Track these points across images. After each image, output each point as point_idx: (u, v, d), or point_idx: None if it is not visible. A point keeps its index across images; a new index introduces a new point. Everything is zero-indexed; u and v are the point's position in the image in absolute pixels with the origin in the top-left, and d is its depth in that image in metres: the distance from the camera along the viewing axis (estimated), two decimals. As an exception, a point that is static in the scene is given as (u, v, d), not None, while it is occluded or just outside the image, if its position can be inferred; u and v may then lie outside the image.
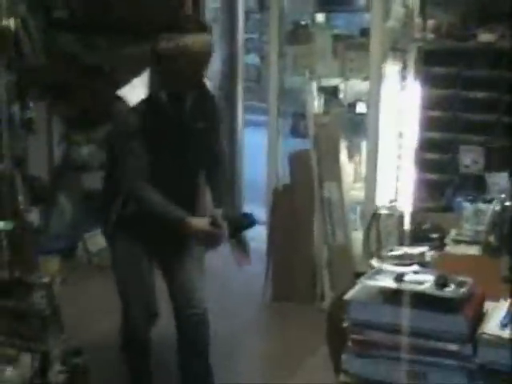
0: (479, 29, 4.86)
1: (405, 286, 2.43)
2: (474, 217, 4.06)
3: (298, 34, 5.07)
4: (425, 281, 2.46)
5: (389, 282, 2.47)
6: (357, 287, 2.56)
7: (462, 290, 2.42)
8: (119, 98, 3.22)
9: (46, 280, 3.54)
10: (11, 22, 4.11)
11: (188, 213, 3.28)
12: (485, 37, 4.80)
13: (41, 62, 4.52)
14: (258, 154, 6.80)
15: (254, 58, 9.88)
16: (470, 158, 4.90)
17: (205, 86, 3.40)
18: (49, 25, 5.74)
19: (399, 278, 2.47)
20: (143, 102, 3.19)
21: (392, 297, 2.43)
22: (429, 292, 2.39)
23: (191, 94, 3.32)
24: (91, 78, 5.71)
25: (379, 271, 2.63)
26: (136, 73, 5.29)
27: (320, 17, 5.07)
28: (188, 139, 3.33)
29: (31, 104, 4.30)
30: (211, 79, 3.62)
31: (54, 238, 5.73)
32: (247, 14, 7.28)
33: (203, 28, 3.21)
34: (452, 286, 2.44)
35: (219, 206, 3.43)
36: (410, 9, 4.98)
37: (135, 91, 3.23)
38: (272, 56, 5.14)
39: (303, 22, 5.10)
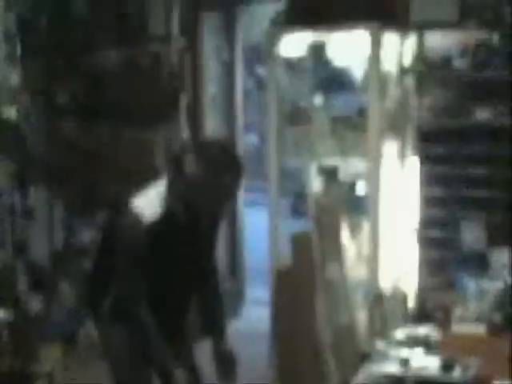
0: (476, 106, 4.92)
1: (411, 372, 2.40)
2: (477, 295, 4.05)
3: (296, 116, 5.12)
4: (431, 365, 2.43)
5: (394, 368, 2.44)
6: (362, 373, 2.53)
7: (469, 373, 2.39)
8: (133, 210, 2.98)
9: (47, 369, 3.51)
10: (13, 112, 4.19)
11: (178, 323, 3.17)
12: (482, 114, 4.86)
13: (42, 150, 4.56)
14: (260, 234, 6.79)
15: (253, 138, 9.97)
16: (471, 235, 4.91)
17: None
18: (51, 110, 5.80)
19: (405, 362, 2.45)
20: (159, 218, 2.97)
21: (398, 382, 2.40)
22: (436, 378, 2.36)
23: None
24: (92, 164, 5.74)
25: (384, 355, 2.61)
26: (136, 159, 5.38)
27: (318, 98, 5.12)
28: (193, 250, 3.15)
29: (32, 192, 4.35)
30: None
31: (56, 323, 5.68)
32: (246, 93, 7.36)
33: (237, 165, 3.02)
34: (458, 370, 2.41)
35: (210, 334, 3.26)
36: (406, 89, 5.04)
37: (151, 205, 2.98)
38: (271, 137, 5.18)
39: (302, 104, 5.15)
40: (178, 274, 3.11)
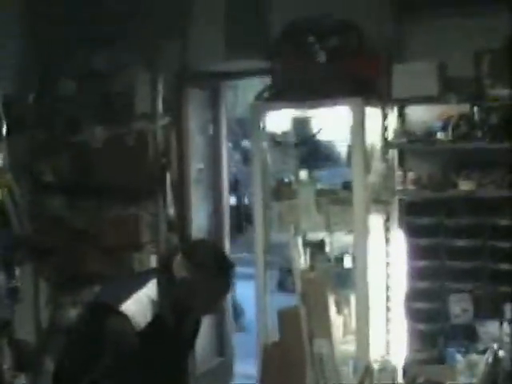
0: (459, 178, 4.95)
1: None
2: (467, 369, 4.03)
3: (281, 191, 5.15)
4: None
5: None
6: None
7: None
8: (122, 315, 2.93)
9: None
10: (-3, 191, 4.20)
11: None
12: (465, 185, 4.89)
13: (27, 229, 4.55)
14: (247, 307, 6.78)
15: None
16: (459, 307, 4.89)
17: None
18: (36, 189, 5.81)
19: None
20: (149, 324, 2.95)
21: None
22: None
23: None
24: (78, 241, 5.73)
25: None
26: (122, 236, 5.36)
27: (303, 172, 5.16)
28: (175, 352, 3.14)
29: (17, 272, 4.32)
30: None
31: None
32: (232, 167, 7.41)
33: (228, 268, 3.04)
34: None
35: None
36: (390, 162, 5.09)
37: (141, 309, 2.96)
38: (257, 211, 5.20)
39: (286, 179, 5.20)
40: (157, 375, 3.04)
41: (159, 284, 3.02)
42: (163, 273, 3.05)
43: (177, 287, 2.98)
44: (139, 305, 2.96)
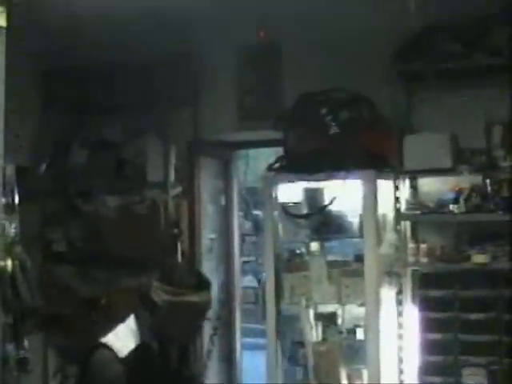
0: (472, 250, 4.93)
1: None
2: None
3: (293, 262, 5.13)
4: None
5: None
6: None
7: None
8: (104, 346, 3.04)
9: None
10: (8, 263, 4.17)
11: None
12: (478, 258, 4.86)
13: (37, 299, 4.52)
14: (258, 378, 6.66)
15: (251, 280, 9.94)
16: (473, 381, 4.82)
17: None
18: (47, 258, 5.80)
19: None
20: (132, 352, 3.02)
21: None
22: None
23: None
24: (88, 311, 5.69)
25: None
26: (132, 306, 5.31)
27: (315, 244, 5.14)
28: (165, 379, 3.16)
29: (26, 343, 4.27)
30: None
31: None
32: (243, 236, 7.40)
33: (205, 285, 3.14)
34: None
35: None
36: (403, 234, 5.07)
37: (123, 339, 3.06)
38: (269, 282, 5.15)
39: (298, 251, 5.17)
40: None
41: (138, 314, 3.13)
42: (143, 302, 3.13)
43: (156, 313, 3.04)
44: (120, 335, 3.08)
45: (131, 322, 3.15)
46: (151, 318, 3.08)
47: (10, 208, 4.41)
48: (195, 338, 3.31)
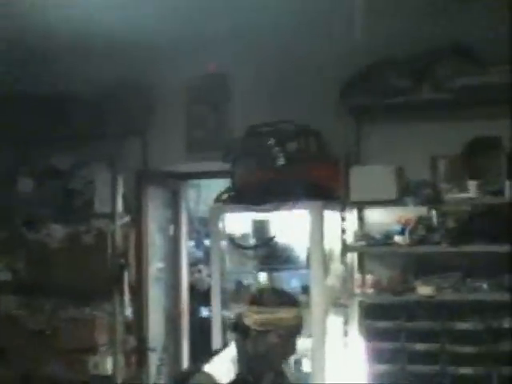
0: (418, 281, 4.97)
1: None
2: None
3: (240, 293, 5.11)
4: None
5: None
6: None
7: None
8: (205, 373, 3.09)
9: None
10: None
11: None
12: (423, 289, 4.89)
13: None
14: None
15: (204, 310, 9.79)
16: (420, 412, 4.84)
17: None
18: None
19: None
20: (232, 382, 3.09)
21: None
22: None
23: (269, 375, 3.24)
24: (33, 342, 5.62)
25: None
26: (78, 337, 5.28)
27: (262, 275, 5.14)
28: None
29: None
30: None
31: None
32: (194, 264, 7.36)
33: (295, 303, 3.22)
34: None
35: None
36: (349, 265, 5.09)
37: (224, 369, 3.11)
38: (215, 315, 5.11)
39: (245, 282, 5.17)
40: None
41: (237, 343, 3.18)
42: (238, 331, 3.19)
43: (251, 335, 3.13)
44: (221, 364, 3.12)
45: (231, 350, 3.20)
46: (246, 341, 3.15)
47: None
48: (286, 360, 3.40)
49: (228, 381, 3.07)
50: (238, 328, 3.20)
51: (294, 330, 3.19)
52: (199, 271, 7.31)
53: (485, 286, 4.81)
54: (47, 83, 5.64)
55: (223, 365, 3.13)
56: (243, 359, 3.15)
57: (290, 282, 5.14)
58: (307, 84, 5.36)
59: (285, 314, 3.13)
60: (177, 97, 5.76)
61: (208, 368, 3.11)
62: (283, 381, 3.36)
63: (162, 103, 5.79)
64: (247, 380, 3.13)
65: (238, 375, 3.11)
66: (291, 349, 3.22)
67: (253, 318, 3.14)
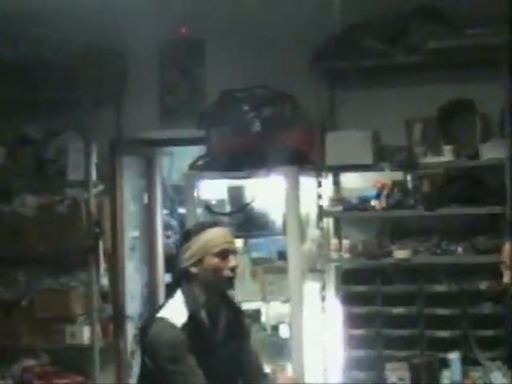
0: (394, 245, 4.99)
1: None
2: None
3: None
4: None
5: None
6: None
7: None
8: (163, 320, 3.15)
9: None
10: None
11: None
12: (399, 253, 4.91)
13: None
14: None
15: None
16: (396, 376, 4.88)
17: (234, 301, 3.46)
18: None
19: None
20: (186, 323, 3.14)
21: None
22: None
23: (223, 312, 3.31)
24: (9, 313, 5.59)
25: None
26: (54, 307, 5.27)
27: (238, 242, 5.12)
28: (224, 357, 3.26)
29: None
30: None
31: None
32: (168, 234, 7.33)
33: (217, 224, 3.35)
34: None
35: None
36: (325, 230, 5.09)
37: (177, 312, 3.16)
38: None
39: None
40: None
41: (184, 290, 3.22)
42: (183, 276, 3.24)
43: (194, 277, 3.20)
44: (172, 309, 3.18)
45: (178, 296, 3.23)
46: (191, 283, 3.21)
47: None
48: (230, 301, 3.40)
49: (183, 321, 3.12)
50: (181, 277, 3.25)
51: (226, 246, 3.22)
52: (167, 237, 7.25)
53: (460, 249, 4.83)
54: (16, 49, 5.55)
55: (177, 308, 3.18)
56: (193, 301, 3.19)
57: (267, 248, 5.14)
58: (281, 49, 5.30)
59: (210, 235, 3.20)
60: (150, 63, 5.69)
61: (163, 313, 3.18)
62: (238, 315, 3.40)
63: (135, 70, 5.70)
64: (200, 318, 3.18)
65: (190, 316, 3.15)
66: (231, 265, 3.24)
67: (186, 255, 3.20)
